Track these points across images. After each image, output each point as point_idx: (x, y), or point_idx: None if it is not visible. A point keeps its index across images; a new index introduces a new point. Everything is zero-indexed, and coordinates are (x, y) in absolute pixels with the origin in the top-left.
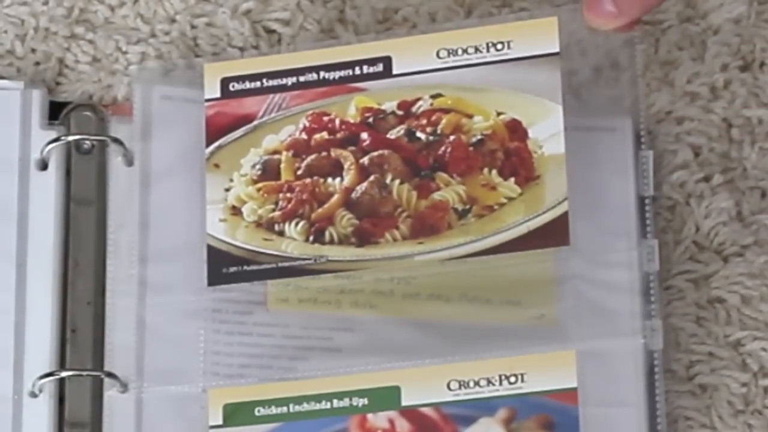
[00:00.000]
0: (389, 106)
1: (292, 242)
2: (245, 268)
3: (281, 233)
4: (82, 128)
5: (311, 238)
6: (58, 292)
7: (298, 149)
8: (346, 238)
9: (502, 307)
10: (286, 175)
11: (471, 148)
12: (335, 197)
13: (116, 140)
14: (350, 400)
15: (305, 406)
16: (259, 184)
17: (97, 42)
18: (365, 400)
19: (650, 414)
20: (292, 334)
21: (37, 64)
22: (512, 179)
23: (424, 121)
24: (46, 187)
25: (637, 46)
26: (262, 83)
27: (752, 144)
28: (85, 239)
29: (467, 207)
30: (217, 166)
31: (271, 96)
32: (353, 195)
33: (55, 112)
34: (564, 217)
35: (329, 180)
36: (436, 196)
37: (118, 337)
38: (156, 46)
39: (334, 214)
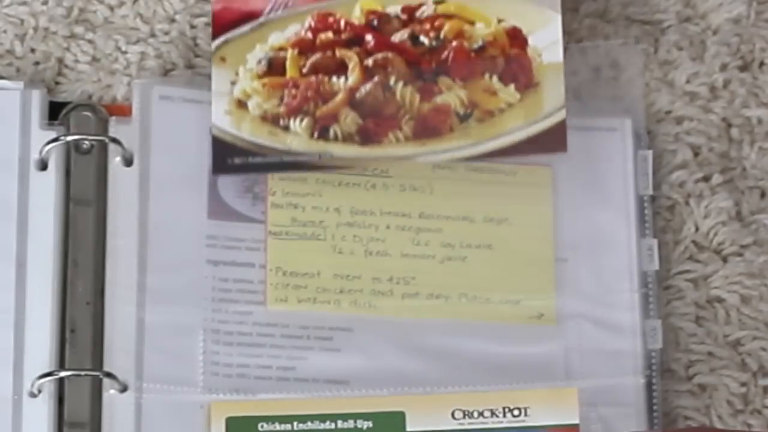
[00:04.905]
0: (393, 9)
1: (297, 137)
2: (250, 159)
3: (286, 128)
4: (81, 128)
5: (316, 134)
6: (58, 292)
7: (304, 47)
8: (350, 137)
9: (502, 307)
10: (291, 72)
11: (473, 54)
12: (340, 96)
13: (115, 140)
14: (355, 422)
15: (309, 425)
16: (264, 79)
17: (97, 42)
18: (370, 423)
19: (649, 414)
20: (292, 334)
21: (37, 63)
22: (512, 85)
23: (428, 26)
24: (46, 187)
25: (636, 46)
26: None
27: (752, 144)
28: (85, 239)
29: (468, 111)
30: (223, 59)
31: None
32: (357, 95)
33: (55, 112)
34: (561, 125)
35: (334, 79)
36: (439, 99)
37: (117, 337)
38: (155, 46)
39: (338, 113)
